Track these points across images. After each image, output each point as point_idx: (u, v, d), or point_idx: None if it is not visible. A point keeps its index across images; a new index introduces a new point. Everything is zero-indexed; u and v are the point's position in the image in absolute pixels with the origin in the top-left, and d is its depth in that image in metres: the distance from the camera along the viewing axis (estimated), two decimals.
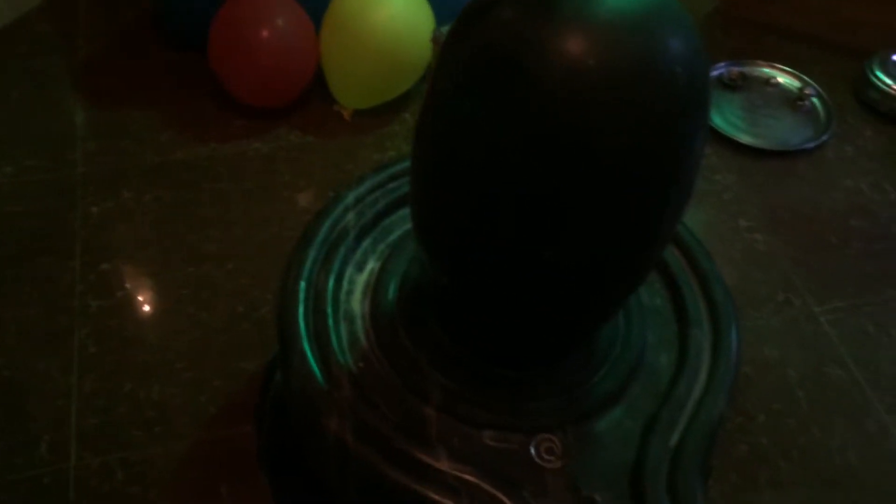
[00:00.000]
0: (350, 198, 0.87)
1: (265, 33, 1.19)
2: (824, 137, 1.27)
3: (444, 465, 0.69)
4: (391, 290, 0.80)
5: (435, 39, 1.21)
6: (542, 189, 0.56)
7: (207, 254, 1.07)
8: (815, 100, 1.33)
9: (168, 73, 1.32)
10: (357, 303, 0.81)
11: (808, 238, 1.15)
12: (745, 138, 1.27)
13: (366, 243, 0.85)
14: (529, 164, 0.56)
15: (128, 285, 1.03)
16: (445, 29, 0.91)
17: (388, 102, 1.27)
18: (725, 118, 1.30)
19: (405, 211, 0.88)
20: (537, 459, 0.71)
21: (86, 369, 0.94)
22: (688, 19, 0.57)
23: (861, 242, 1.15)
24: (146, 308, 1.01)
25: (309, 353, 0.74)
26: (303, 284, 0.79)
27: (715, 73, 1.36)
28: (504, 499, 0.67)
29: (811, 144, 1.27)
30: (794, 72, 1.38)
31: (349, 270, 0.82)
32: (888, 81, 1.33)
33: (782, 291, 1.08)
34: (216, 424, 0.91)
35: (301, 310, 0.77)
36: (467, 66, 0.59)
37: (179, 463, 0.87)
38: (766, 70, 1.39)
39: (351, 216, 0.86)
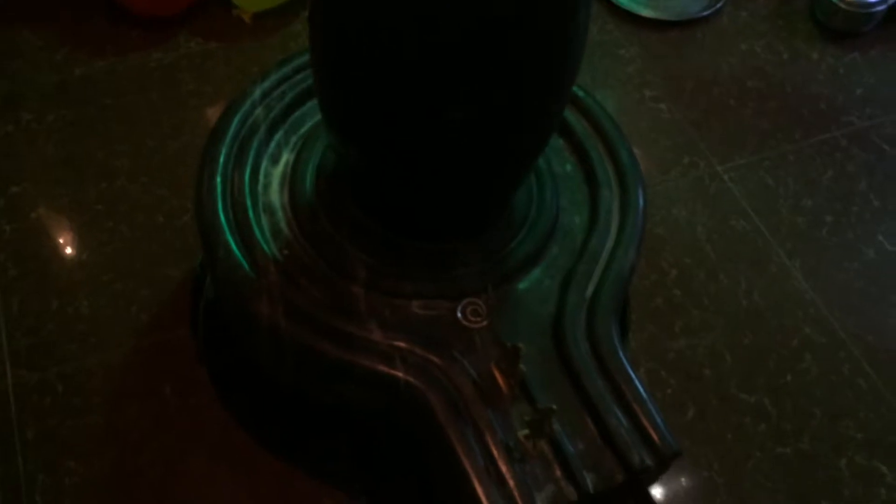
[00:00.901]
0: (257, 92, 0.86)
1: None
2: (719, 5, 1.31)
3: (376, 335, 0.72)
4: (308, 180, 0.81)
5: None
6: (439, 46, 0.58)
7: (119, 169, 1.05)
8: None
9: None
10: (275, 195, 0.81)
11: (709, 102, 1.19)
12: (645, 12, 1.29)
13: (278, 136, 0.85)
14: (423, 24, 0.57)
15: (41, 206, 1.01)
16: None
17: (288, 2, 1.24)
18: None
19: (315, 102, 0.88)
20: (464, 322, 0.74)
21: (9, 292, 0.93)
22: None
23: (757, 102, 1.20)
24: (63, 227, 1.00)
25: (233, 244, 0.75)
26: (219, 179, 0.79)
27: None
28: (435, 359, 0.71)
29: (708, 12, 1.30)
30: None
31: (264, 164, 0.83)
32: None
33: (687, 155, 1.13)
34: (151, 331, 0.92)
35: (220, 204, 0.78)
36: None
37: (119, 370, 0.89)
38: None
39: (260, 111, 0.85)
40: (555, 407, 0.66)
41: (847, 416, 0.91)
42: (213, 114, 1.12)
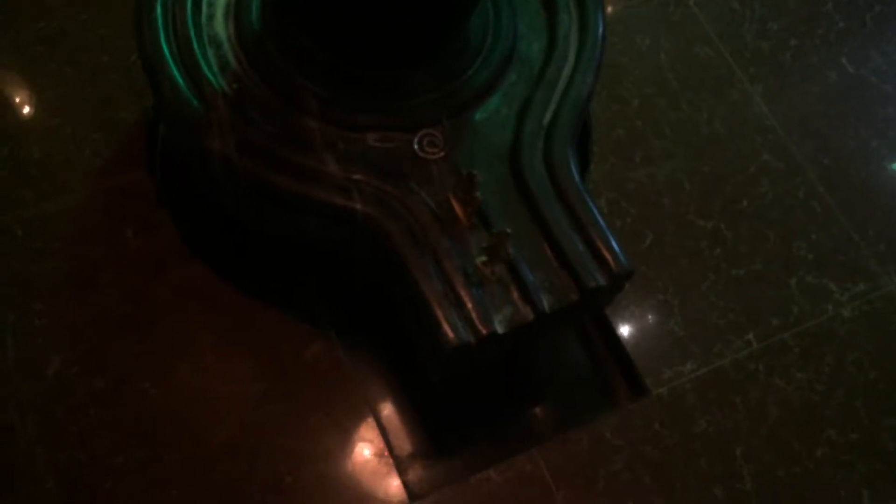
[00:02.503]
0: None
1: None
2: None
3: (331, 168, 0.71)
4: (254, 10, 0.78)
5: None
6: None
7: (55, 7, 1.00)
8: None
9: None
10: (220, 26, 0.78)
11: None
12: None
13: None
14: None
15: None
16: None
17: None
18: None
19: None
20: (420, 153, 0.74)
21: None
22: None
23: None
24: (3, 70, 0.96)
25: (179, 79, 0.73)
26: (159, 11, 0.75)
27: None
28: (392, 190, 0.71)
29: None
30: None
31: None
32: None
33: None
34: (107, 175, 0.90)
35: (162, 36, 0.74)
36: None
37: (77, 215, 0.88)
38: None
39: None
40: (510, 231, 0.66)
41: (800, 237, 0.93)
42: None
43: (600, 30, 0.81)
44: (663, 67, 1.03)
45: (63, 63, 0.96)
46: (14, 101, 0.94)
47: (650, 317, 0.88)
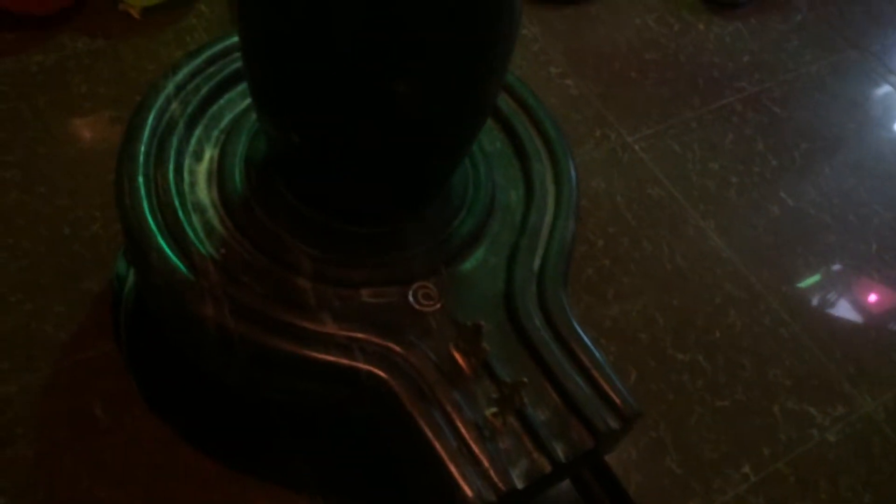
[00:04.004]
0: (170, 87, 0.82)
1: None
2: None
3: (330, 328, 0.70)
4: (237, 174, 0.78)
5: None
6: (384, 17, 0.56)
7: (10, 180, 0.97)
8: None
9: None
10: (203, 192, 0.77)
11: (612, 76, 1.23)
12: None
13: (198, 132, 0.81)
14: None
15: None
16: None
17: None
18: None
19: (232, 94, 0.84)
20: (416, 306, 0.73)
21: None
22: None
23: (656, 73, 1.24)
24: None
25: (166, 248, 0.71)
26: (141, 180, 0.74)
27: None
28: (393, 346, 0.70)
29: None
30: None
31: (187, 161, 0.79)
32: None
33: (598, 128, 1.15)
34: (71, 350, 0.86)
35: (146, 205, 0.73)
36: None
37: (41, 395, 0.82)
38: None
39: (175, 106, 0.81)
40: (526, 380, 0.65)
41: (774, 364, 0.96)
42: (111, 116, 1.06)
43: (573, 175, 0.84)
44: (621, 208, 1.07)
45: (20, 237, 0.93)
46: None
47: (646, 455, 0.87)
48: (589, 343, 0.73)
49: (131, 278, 0.93)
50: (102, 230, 0.95)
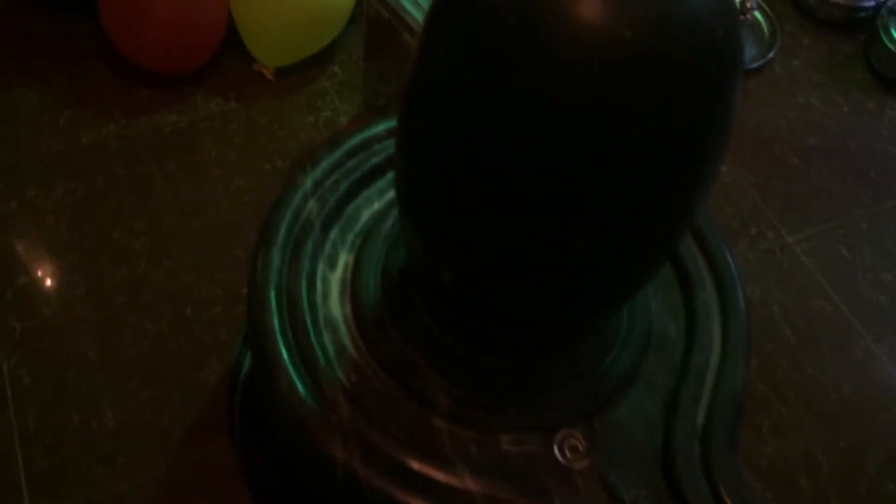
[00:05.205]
0: (308, 183, 0.77)
1: None
2: (771, 55, 1.23)
3: (468, 483, 0.63)
4: (372, 286, 0.72)
5: None
6: (572, 173, 0.49)
7: (139, 251, 0.95)
8: (756, 13, 1.28)
9: (54, 39, 1.15)
10: (336, 305, 0.72)
11: (771, 162, 1.12)
12: None
13: (333, 234, 0.76)
14: (552, 148, 0.48)
15: (53, 300, 0.91)
16: None
17: (313, 55, 1.15)
18: None
19: (370, 191, 0.79)
20: (562, 460, 0.65)
21: (24, 404, 0.83)
22: None
23: (821, 160, 1.12)
24: (80, 324, 0.89)
25: (295, 375, 0.66)
26: (273, 294, 0.69)
27: None
28: None
29: (760, 63, 1.22)
30: None
31: (320, 268, 0.73)
32: None
33: (754, 224, 1.05)
34: (186, 446, 0.82)
35: (276, 323, 0.68)
36: (467, 36, 0.49)
37: (153, 497, 0.78)
38: None
39: (312, 204, 0.76)
40: None
41: None
42: (238, 185, 1.02)
43: (743, 308, 0.75)
44: (779, 322, 0.96)
45: (143, 315, 0.90)
46: (89, 359, 0.87)
47: None
48: None
49: (247, 364, 0.90)
50: (223, 313, 0.91)
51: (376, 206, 0.78)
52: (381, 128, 0.82)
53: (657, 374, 0.71)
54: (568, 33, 0.44)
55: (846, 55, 1.25)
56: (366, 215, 0.77)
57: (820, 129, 1.16)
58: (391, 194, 0.78)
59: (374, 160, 0.79)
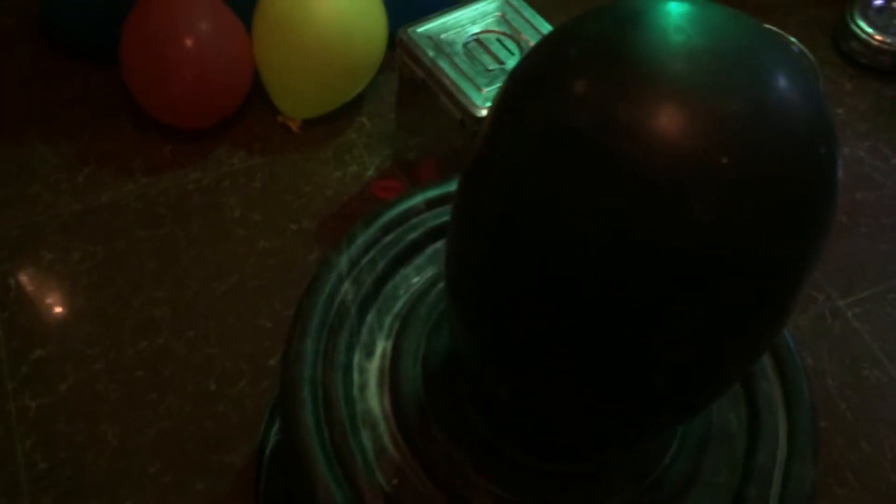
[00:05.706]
0: (343, 263, 0.72)
1: (187, 41, 1.00)
2: None
3: None
4: (412, 376, 0.67)
5: None
6: (657, 306, 0.44)
7: (160, 320, 0.91)
8: None
9: (72, 93, 1.12)
10: (374, 398, 0.67)
11: None
12: None
13: (370, 318, 0.71)
14: (637, 280, 0.43)
15: (70, 375, 0.86)
16: None
17: (339, 107, 1.11)
18: None
19: (407, 269, 0.75)
20: None
21: (39, 491, 0.78)
22: (811, 68, 0.44)
23: (871, 218, 1.07)
24: (99, 402, 0.85)
25: (332, 482, 0.61)
26: (308, 390, 0.65)
27: None
28: None
29: None
30: (769, 26, 1.28)
31: (357, 357, 0.69)
32: (869, 30, 1.24)
33: None
34: None
35: (313, 424, 0.63)
36: (536, 148, 0.45)
37: None
38: None
39: (348, 286, 0.71)
40: None
41: None
42: (263, 247, 0.98)
43: (808, 400, 0.70)
44: (833, 395, 0.91)
45: (164, 391, 0.86)
46: (108, 442, 0.82)
47: None
48: None
49: (272, 441, 0.85)
50: (249, 387, 0.87)
51: (414, 283, 0.74)
52: (418, 199, 0.77)
53: (719, 473, 0.66)
54: (657, 159, 0.39)
55: (892, 102, 1.20)
56: (403, 296, 0.73)
57: (868, 183, 1.11)
58: (430, 272, 0.74)
59: (412, 235, 0.75)
